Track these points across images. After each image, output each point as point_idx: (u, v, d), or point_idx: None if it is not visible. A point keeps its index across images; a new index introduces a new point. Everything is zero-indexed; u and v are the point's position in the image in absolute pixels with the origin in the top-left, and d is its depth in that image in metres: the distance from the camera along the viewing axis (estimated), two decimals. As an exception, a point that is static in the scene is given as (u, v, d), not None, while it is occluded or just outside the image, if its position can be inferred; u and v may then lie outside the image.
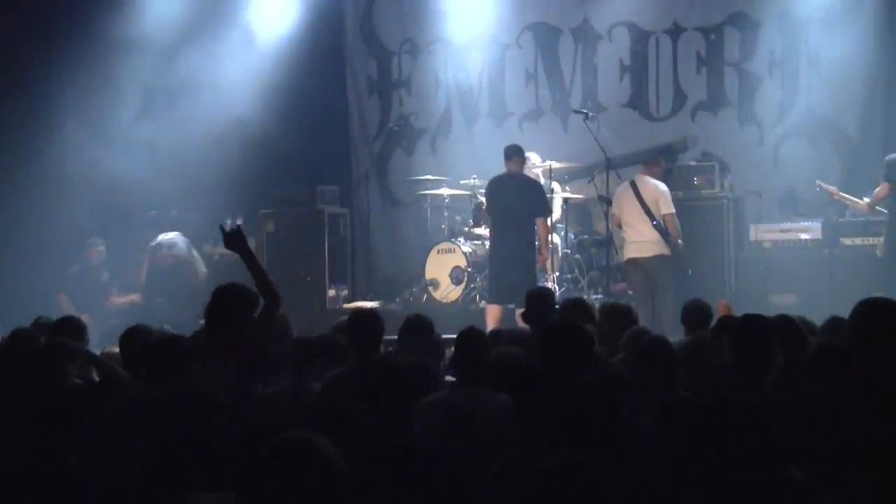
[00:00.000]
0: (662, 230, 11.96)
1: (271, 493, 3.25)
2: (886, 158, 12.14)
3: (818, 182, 12.75)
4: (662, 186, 12.20)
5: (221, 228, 7.02)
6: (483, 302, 12.87)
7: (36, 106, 13.78)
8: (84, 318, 12.81)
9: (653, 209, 12.00)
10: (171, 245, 13.64)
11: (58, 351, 6.76)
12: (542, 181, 13.00)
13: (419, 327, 7.18)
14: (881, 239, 12.14)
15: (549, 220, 12.34)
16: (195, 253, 13.87)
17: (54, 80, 14.01)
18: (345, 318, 7.40)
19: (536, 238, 11.98)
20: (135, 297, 13.73)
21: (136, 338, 6.91)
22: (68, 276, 13.70)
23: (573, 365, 5.43)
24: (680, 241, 12.04)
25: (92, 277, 13.71)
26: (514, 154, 12.13)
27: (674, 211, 12.05)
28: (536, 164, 13.12)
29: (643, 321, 9.07)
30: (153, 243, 13.73)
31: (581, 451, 3.72)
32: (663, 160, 12.83)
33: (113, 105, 13.99)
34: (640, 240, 12.05)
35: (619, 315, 7.60)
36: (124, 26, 14.03)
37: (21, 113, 13.69)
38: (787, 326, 6.06)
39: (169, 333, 6.94)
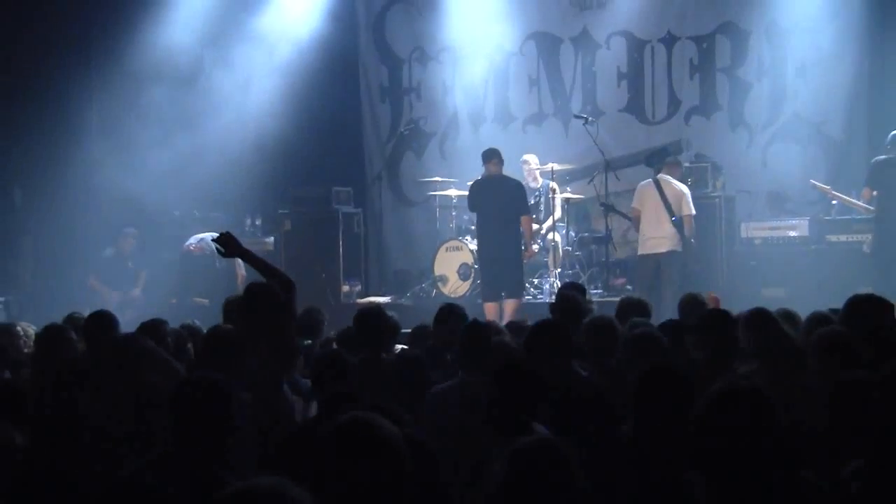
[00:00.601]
0: (679, 226, 11.98)
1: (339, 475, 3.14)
2: (871, 162, 12.18)
3: (812, 181, 12.77)
4: (685, 188, 12.21)
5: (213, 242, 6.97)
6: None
7: (75, 109, 13.76)
8: (115, 295, 13.05)
9: (674, 207, 11.98)
10: (199, 239, 13.70)
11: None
12: (541, 182, 13.09)
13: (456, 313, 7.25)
14: (869, 236, 12.13)
15: (532, 217, 12.50)
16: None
17: (92, 83, 14.01)
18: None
19: (522, 235, 12.15)
20: (136, 291, 13.70)
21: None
22: (101, 259, 13.66)
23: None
24: (693, 240, 12.07)
25: (122, 263, 13.67)
26: (492, 157, 12.23)
27: (694, 212, 12.06)
28: (537, 166, 13.21)
29: None
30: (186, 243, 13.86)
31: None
32: (681, 161, 12.76)
33: (143, 116, 13.98)
34: (659, 235, 12.03)
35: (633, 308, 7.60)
36: (156, 39, 14.07)
37: (66, 117, 13.75)
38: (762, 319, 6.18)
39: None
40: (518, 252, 12.15)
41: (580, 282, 13.12)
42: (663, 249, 12.01)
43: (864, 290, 11.15)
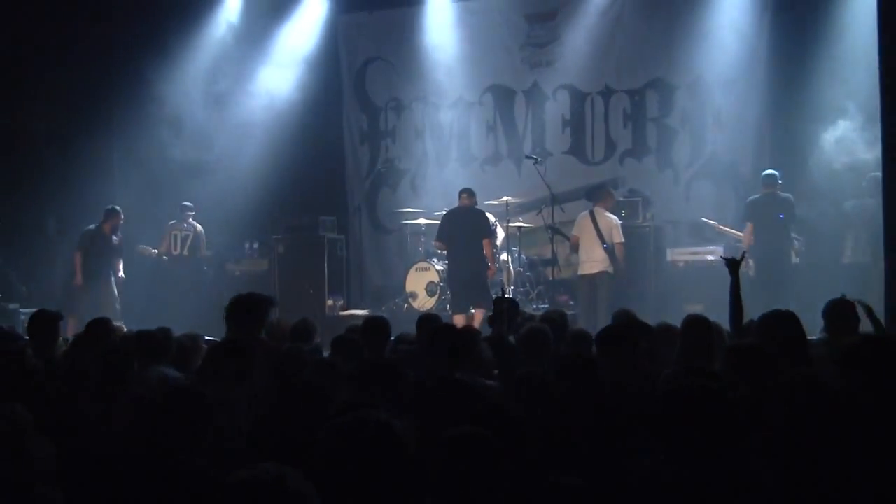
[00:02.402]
0: (610, 252, 12.09)
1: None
2: (746, 201, 12.34)
3: (702, 219, 12.90)
4: (616, 220, 12.31)
5: None
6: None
7: (100, 150, 13.70)
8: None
9: (605, 236, 12.09)
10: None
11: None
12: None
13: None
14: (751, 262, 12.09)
15: (494, 241, 12.60)
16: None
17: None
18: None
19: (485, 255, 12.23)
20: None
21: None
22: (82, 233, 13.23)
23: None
24: (623, 264, 12.18)
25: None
26: (463, 192, 12.49)
27: (624, 241, 12.18)
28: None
29: (586, 327, 9.28)
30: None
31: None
32: (613, 193, 12.83)
33: (156, 155, 13.97)
34: (592, 259, 12.14)
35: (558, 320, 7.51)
36: (170, 89, 14.09)
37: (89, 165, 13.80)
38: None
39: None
40: (482, 269, 12.24)
41: (530, 298, 13.35)
42: (595, 270, 12.13)
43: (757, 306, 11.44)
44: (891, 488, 3.38)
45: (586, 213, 12.40)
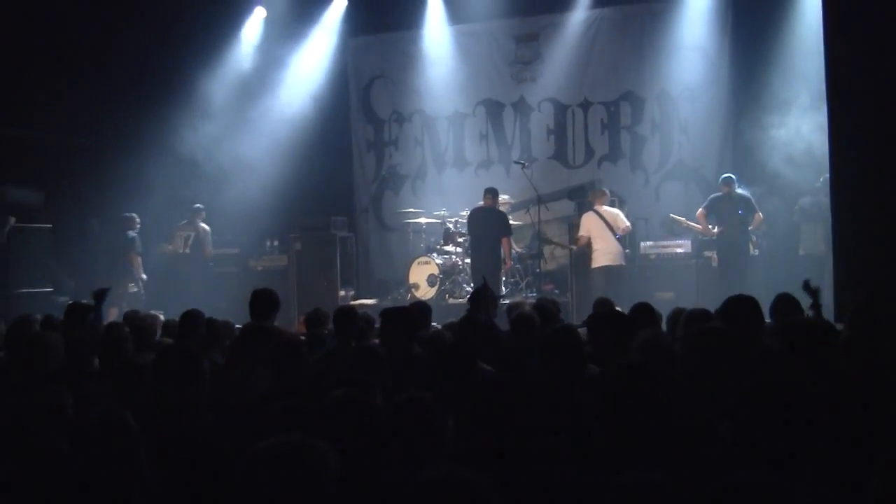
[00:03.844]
0: (623, 242, 12.16)
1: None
2: (709, 197, 12.35)
3: (671, 215, 12.90)
4: (617, 210, 12.38)
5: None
6: (450, 298, 13.17)
7: (137, 161, 13.46)
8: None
9: (613, 227, 12.11)
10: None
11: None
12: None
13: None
14: (714, 253, 12.30)
15: (511, 240, 12.64)
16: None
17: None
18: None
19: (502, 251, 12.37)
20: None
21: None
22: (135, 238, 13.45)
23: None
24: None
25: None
26: (486, 193, 12.54)
27: (630, 225, 12.31)
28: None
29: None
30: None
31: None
32: (605, 190, 12.72)
33: (187, 162, 13.92)
34: (609, 251, 12.09)
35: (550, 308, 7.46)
36: (197, 112, 14.17)
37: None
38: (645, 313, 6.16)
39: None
40: (498, 263, 12.34)
41: (519, 287, 13.41)
42: (614, 263, 12.13)
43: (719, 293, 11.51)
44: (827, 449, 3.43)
45: (590, 213, 12.35)
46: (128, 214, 13.42)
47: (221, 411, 4.46)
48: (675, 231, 13.16)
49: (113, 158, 13.72)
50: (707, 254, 12.53)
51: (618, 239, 12.17)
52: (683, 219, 12.66)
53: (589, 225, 12.31)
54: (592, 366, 4.88)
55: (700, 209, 12.30)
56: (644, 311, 6.11)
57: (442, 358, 4.69)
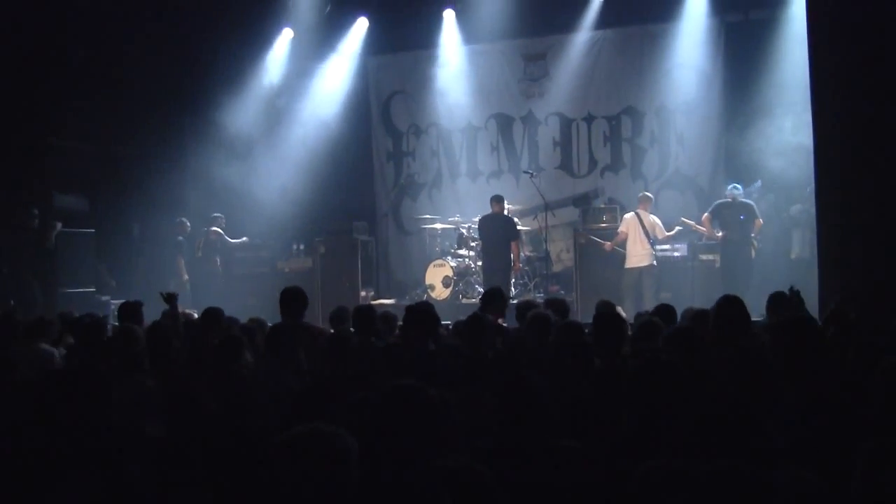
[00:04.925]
0: (655, 247, 12.12)
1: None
2: (715, 203, 12.31)
3: (682, 219, 12.79)
4: (657, 219, 12.28)
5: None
6: (463, 298, 13.19)
7: (176, 170, 13.73)
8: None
9: (650, 232, 12.07)
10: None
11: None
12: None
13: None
14: (718, 255, 12.23)
15: (520, 243, 12.62)
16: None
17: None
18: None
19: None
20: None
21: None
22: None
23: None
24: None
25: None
26: (495, 200, 12.54)
27: (668, 234, 12.23)
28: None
29: (632, 312, 8.93)
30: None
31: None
32: (650, 196, 12.64)
33: (222, 174, 13.94)
34: (640, 253, 12.02)
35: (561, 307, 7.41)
36: (230, 120, 14.22)
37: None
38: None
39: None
40: (507, 266, 12.32)
41: (528, 288, 13.40)
42: (644, 264, 12.06)
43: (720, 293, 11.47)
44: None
45: (633, 213, 12.27)
46: (179, 219, 13.52)
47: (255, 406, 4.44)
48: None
49: (152, 168, 13.81)
50: (703, 257, 12.49)
51: (651, 243, 12.11)
52: (693, 222, 12.59)
53: (629, 225, 12.22)
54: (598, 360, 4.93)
55: (706, 213, 12.28)
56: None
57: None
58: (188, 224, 13.57)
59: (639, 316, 6.80)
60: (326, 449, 2.50)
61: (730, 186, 12.19)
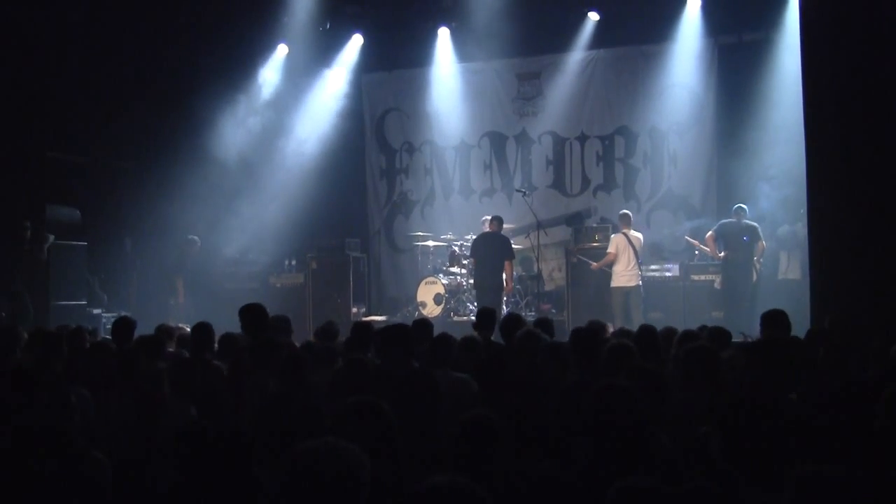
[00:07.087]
0: (642, 267, 12.20)
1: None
2: (719, 222, 12.37)
3: (686, 238, 12.92)
4: (639, 235, 12.41)
5: None
6: (455, 316, 13.18)
7: (169, 184, 13.54)
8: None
9: (639, 252, 12.19)
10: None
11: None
12: None
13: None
14: (719, 276, 12.27)
15: (513, 263, 12.59)
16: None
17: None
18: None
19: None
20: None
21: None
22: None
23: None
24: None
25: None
26: (492, 219, 12.56)
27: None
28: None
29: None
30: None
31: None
32: (629, 216, 12.61)
33: (215, 189, 13.90)
34: (629, 273, 12.09)
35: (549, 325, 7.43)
36: (227, 138, 14.24)
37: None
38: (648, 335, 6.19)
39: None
40: (500, 286, 12.29)
41: (519, 306, 13.38)
42: (632, 284, 12.12)
43: (715, 314, 11.56)
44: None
45: (621, 234, 12.34)
46: (190, 237, 13.56)
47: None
48: (663, 256, 13.20)
49: (145, 181, 13.81)
50: (695, 277, 12.55)
51: (638, 263, 12.16)
52: (697, 241, 12.66)
53: (618, 244, 12.28)
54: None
55: (710, 232, 12.32)
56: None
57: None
58: (198, 242, 13.58)
59: (614, 336, 6.75)
60: (338, 464, 2.48)
61: (735, 207, 12.24)
